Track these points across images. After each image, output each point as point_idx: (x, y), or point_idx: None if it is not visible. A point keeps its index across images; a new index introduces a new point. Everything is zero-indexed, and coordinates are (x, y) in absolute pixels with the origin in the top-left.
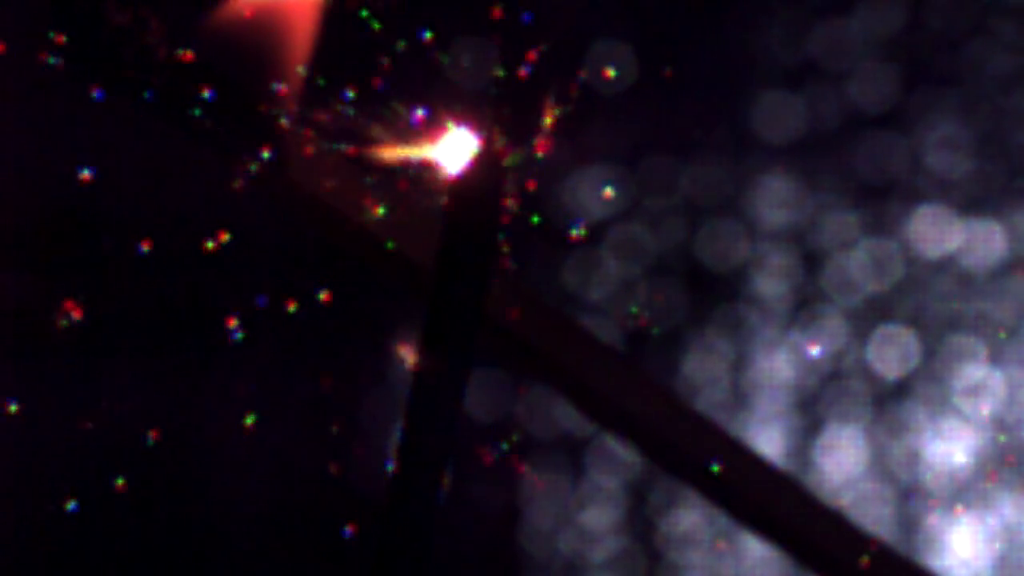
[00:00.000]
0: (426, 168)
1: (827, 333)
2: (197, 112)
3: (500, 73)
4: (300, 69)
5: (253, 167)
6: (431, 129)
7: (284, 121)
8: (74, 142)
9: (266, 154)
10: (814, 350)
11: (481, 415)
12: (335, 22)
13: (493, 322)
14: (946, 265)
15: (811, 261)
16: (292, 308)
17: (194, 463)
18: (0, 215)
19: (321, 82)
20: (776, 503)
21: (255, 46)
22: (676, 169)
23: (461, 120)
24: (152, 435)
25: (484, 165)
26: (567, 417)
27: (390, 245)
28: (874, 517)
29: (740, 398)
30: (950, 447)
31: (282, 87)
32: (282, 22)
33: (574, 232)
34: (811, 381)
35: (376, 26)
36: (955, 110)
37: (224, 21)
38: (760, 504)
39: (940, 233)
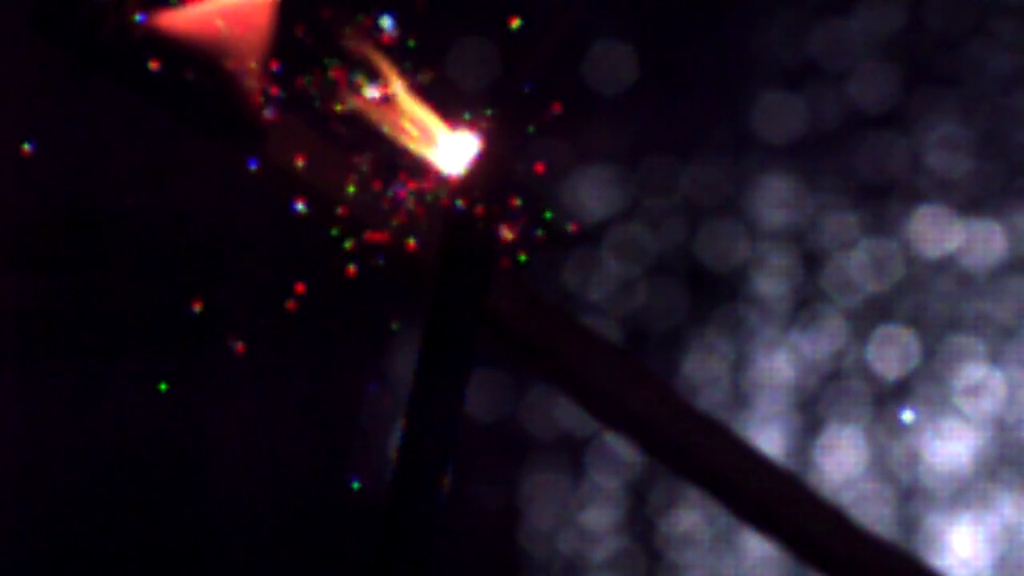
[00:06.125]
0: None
1: (827, 333)
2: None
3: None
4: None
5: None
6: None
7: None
8: (74, 142)
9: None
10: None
11: (481, 415)
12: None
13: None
14: (946, 265)
15: (811, 261)
16: (292, 308)
17: (194, 463)
18: (0, 215)
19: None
20: (778, 502)
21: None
22: (676, 169)
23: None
24: (151, 434)
25: (484, 165)
26: (567, 417)
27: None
28: (874, 517)
29: (740, 398)
30: (950, 447)
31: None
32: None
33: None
34: (811, 381)
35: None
36: (955, 110)
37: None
38: (761, 503)
39: (940, 233)
